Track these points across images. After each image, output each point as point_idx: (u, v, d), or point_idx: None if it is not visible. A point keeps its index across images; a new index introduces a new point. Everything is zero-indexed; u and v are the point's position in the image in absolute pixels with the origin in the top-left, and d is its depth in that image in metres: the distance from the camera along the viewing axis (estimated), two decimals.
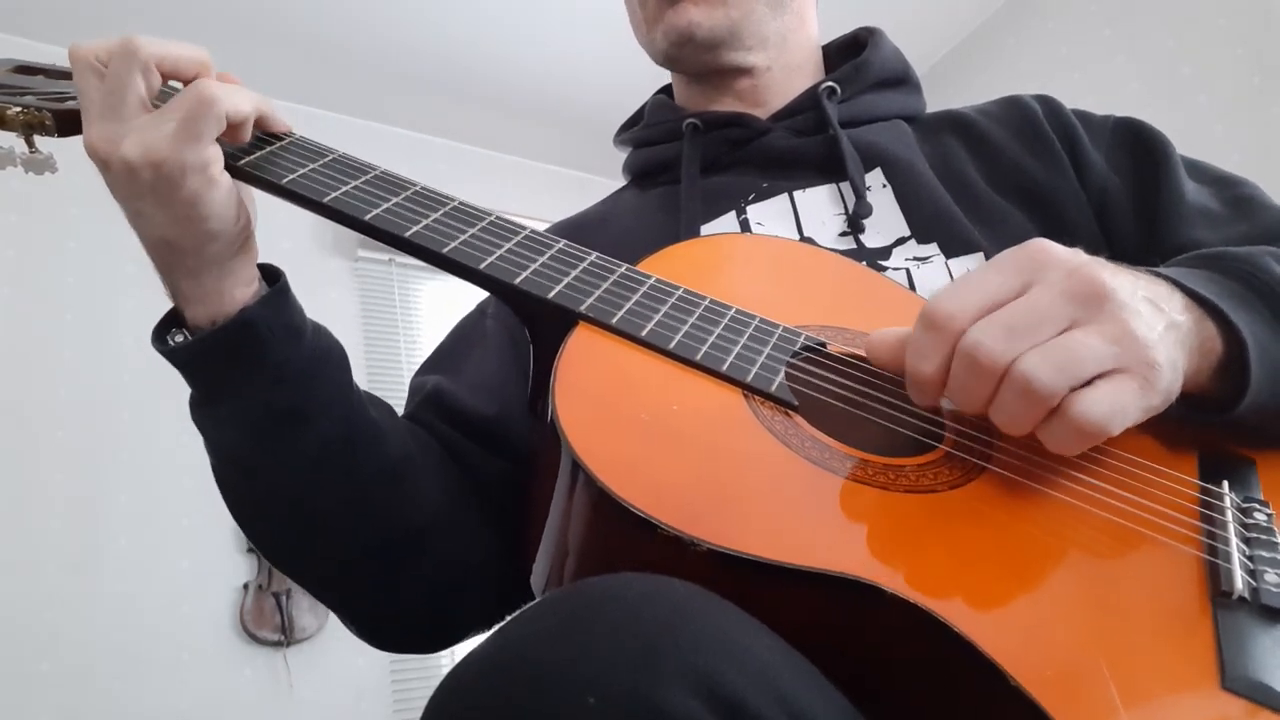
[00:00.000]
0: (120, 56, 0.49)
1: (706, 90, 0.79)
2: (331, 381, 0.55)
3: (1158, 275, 0.48)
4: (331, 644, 2.34)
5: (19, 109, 0.55)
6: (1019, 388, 0.40)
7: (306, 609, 2.32)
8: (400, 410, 0.69)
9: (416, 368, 0.77)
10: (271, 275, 0.55)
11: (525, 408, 0.65)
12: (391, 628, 0.63)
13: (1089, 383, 0.40)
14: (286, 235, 2.61)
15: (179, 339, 0.52)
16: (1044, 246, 0.43)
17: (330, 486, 0.55)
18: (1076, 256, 0.43)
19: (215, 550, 2.25)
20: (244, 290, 0.52)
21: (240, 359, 0.51)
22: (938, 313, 0.43)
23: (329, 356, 0.56)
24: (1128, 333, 0.40)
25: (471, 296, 0.78)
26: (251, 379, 0.52)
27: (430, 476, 0.60)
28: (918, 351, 0.44)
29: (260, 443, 0.53)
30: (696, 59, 0.75)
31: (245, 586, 2.28)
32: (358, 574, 0.59)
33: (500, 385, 0.68)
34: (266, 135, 0.55)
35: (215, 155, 0.49)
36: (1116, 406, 0.40)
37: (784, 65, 0.78)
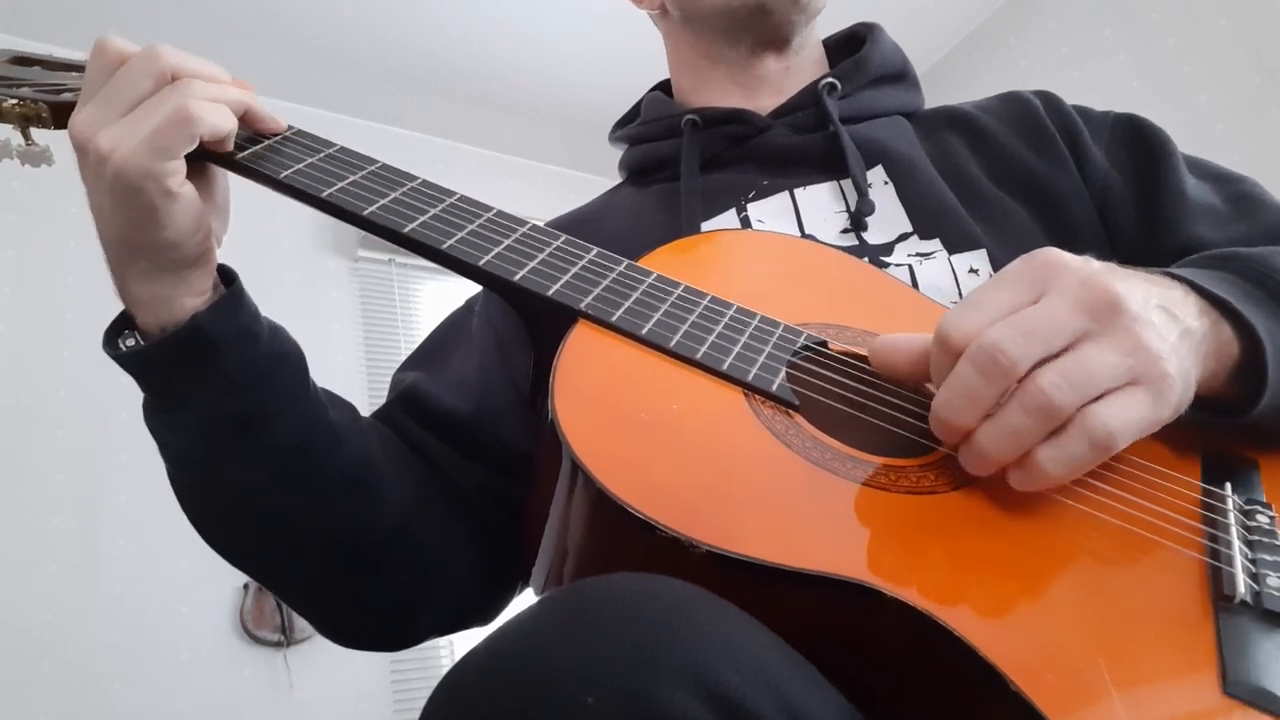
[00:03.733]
0: (142, 57, 0.49)
1: (735, 68, 0.77)
2: (288, 385, 0.54)
3: (1172, 278, 0.47)
4: (331, 644, 2.33)
5: (15, 101, 0.54)
6: (1034, 403, 0.39)
7: None
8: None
9: None
10: (227, 276, 0.54)
11: (505, 410, 0.65)
12: (353, 628, 0.63)
13: (1099, 397, 0.39)
14: (286, 235, 2.61)
15: (130, 343, 0.51)
16: (1054, 255, 0.42)
17: (288, 491, 0.54)
18: (1088, 265, 0.42)
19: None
20: (194, 300, 0.51)
21: (193, 366, 0.50)
22: (955, 332, 0.41)
23: (285, 360, 0.54)
24: (1140, 345, 0.40)
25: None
26: (205, 386, 0.51)
27: (395, 481, 0.59)
28: (940, 375, 0.42)
29: (216, 448, 0.52)
30: (785, 16, 0.73)
31: (245, 586, 2.28)
32: (317, 578, 0.58)
33: (479, 384, 0.67)
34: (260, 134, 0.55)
35: (177, 169, 0.48)
36: (1128, 419, 0.39)
37: (805, 55, 0.78)
